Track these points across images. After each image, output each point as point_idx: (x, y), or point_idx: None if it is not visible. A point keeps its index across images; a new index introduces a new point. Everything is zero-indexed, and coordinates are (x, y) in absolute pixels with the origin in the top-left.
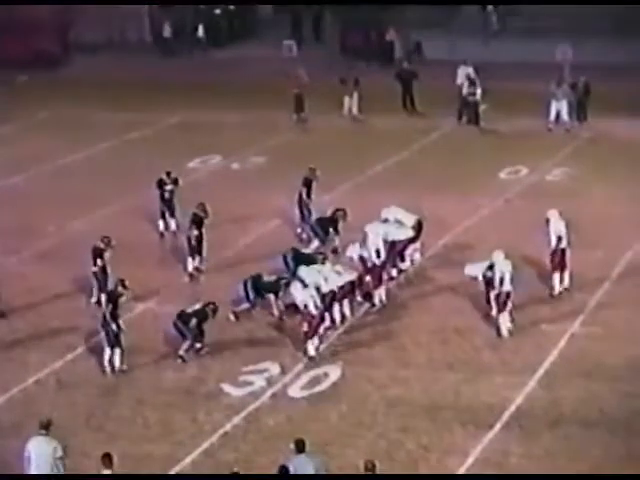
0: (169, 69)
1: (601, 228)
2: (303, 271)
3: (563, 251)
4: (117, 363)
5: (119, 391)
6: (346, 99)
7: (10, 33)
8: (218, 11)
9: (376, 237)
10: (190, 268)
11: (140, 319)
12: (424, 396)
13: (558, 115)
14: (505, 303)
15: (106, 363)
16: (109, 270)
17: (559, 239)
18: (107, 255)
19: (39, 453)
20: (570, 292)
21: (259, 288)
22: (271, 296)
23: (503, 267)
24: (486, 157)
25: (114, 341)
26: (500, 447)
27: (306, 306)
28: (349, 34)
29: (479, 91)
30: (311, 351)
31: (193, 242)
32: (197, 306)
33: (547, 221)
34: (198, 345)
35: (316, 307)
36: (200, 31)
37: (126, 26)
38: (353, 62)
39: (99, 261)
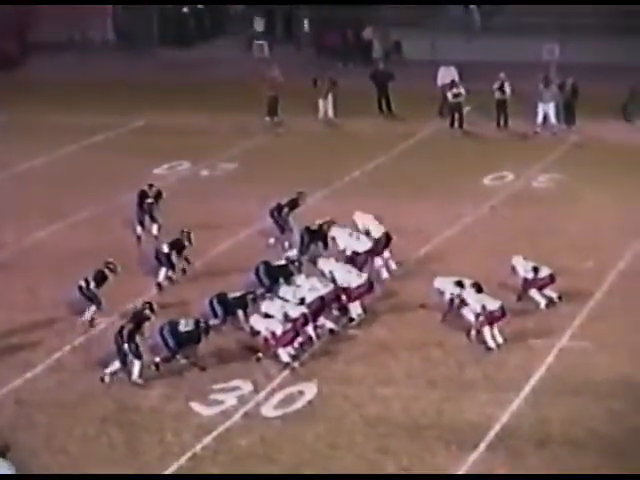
0: (133, 70)
1: (591, 236)
2: (266, 305)
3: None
4: (135, 375)
5: (82, 410)
6: (320, 102)
7: None
8: (186, 9)
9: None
10: (161, 278)
11: (103, 333)
12: (404, 415)
13: (545, 118)
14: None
15: (108, 371)
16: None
17: (535, 270)
18: (110, 282)
19: None
20: (558, 304)
21: (226, 305)
22: (239, 312)
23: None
24: (469, 162)
25: (135, 354)
26: (485, 468)
27: (273, 333)
28: (325, 33)
29: (462, 92)
30: (284, 357)
31: (164, 261)
32: (190, 326)
33: (513, 269)
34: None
35: (283, 330)
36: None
37: (88, 25)
38: (329, 62)
39: (94, 284)
